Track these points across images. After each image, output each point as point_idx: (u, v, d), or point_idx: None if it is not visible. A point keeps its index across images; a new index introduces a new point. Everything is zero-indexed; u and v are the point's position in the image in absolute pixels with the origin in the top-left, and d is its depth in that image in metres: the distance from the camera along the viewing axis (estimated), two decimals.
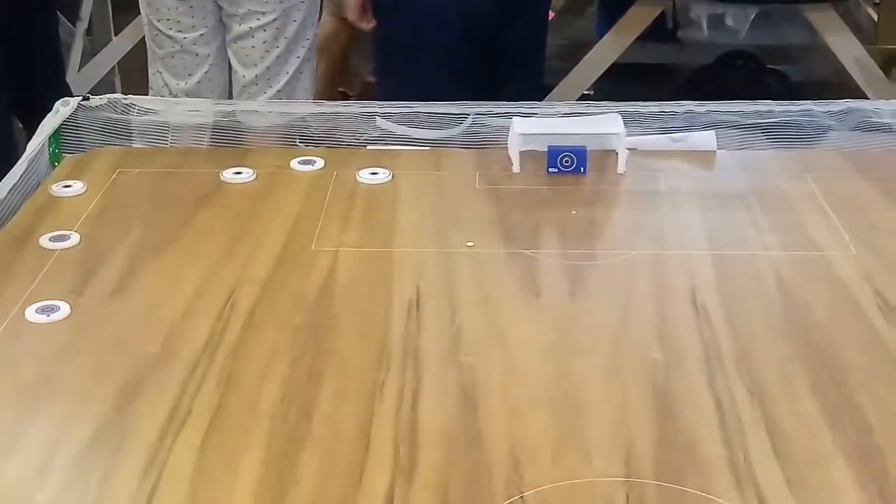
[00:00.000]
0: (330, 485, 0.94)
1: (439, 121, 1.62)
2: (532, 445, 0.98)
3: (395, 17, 2.48)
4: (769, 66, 3.93)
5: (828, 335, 1.14)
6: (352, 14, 2.53)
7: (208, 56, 2.46)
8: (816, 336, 1.14)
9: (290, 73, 2.45)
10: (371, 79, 3.78)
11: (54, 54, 3.03)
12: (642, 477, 0.94)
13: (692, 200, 1.44)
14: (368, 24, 2.53)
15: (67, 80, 3.29)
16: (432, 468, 0.95)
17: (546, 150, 1.49)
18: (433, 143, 1.61)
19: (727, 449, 0.97)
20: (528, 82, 2.52)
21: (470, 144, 1.60)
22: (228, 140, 1.63)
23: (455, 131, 1.60)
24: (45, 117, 1.57)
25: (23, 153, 1.50)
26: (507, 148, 1.53)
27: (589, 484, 0.93)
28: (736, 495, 0.92)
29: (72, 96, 1.62)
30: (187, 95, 2.41)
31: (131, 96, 1.64)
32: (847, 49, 3.27)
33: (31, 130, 2.48)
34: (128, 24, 3.81)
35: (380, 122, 1.61)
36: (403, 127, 1.61)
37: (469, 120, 1.60)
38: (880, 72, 3.29)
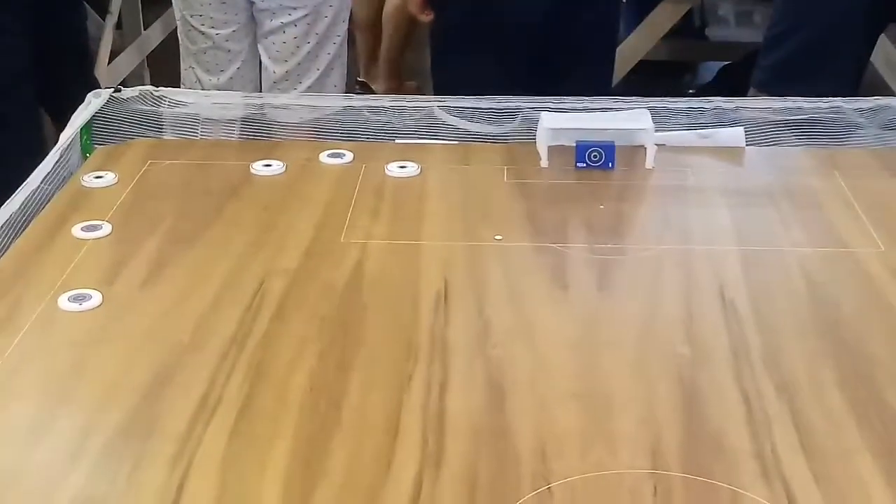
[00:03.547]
0: (358, 474, 0.94)
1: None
2: (559, 437, 0.99)
3: (448, 10, 2.46)
4: None
5: (855, 331, 1.15)
6: (412, 5, 2.52)
7: (240, 52, 2.47)
8: (844, 332, 1.14)
9: (321, 69, 2.46)
10: (412, 83, 3.78)
11: (82, 48, 3.05)
12: (669, 470, 0.94)
13: (720, 196, 1.44)
14: (427, 17, 2.51)
15: (97, 73, 3.30)
16: (460, 459, 0.96)
17: (574, 144, 1.49)
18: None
19: (754, 443, 0.97)
20: (593, 79, 2.44)
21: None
22: (258, 133, 1.64)
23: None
24: (72, 111, 1.58)
25: (51, 146, 1.51)
26: (535, 142, 1.53)
27: (616, 476, 0.94)
28: (763, 488, 0.92)
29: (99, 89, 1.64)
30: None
31: (162, 88, 1.64)
32: (876, 47, 3.25)
33: (58, 124, 2.48)
34: (157, 18, 3.83)
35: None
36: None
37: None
38: None
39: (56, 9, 2.85)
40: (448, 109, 1.61)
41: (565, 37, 2.40)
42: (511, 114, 1.61)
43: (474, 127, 1.60)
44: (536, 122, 1.55)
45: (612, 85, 2.60)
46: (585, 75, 2.42)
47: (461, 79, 2.34)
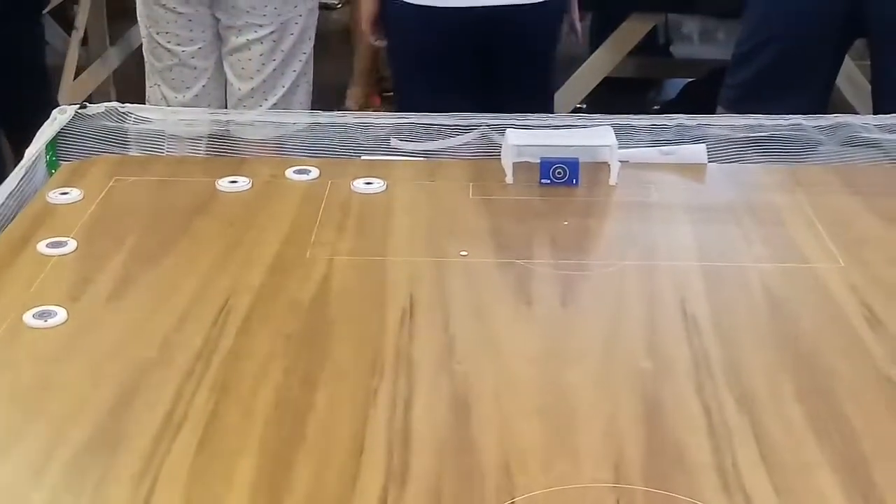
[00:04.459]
0: (324, 489, 0.95)
1: (432, 133, 1.63)
2: (523, 452, 0.99)
3: (387, 30, 2.49)
4: None
5: (815, 345, 1.16)
6: (364, 25, 2.53)
7: (206, 70, 2.47)
8: (804, 346, 1.16)
9: (286, 86, 2.45)
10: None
11: (40, 65, 3.03)
12: (631, 483, 0.95)
13: (683, 213, 1.45)
14: (377, 41, 2.53)
15: (62, 88, 3.29)
16: (425, 474, 0.97)
17: (539, 161, 1.51)
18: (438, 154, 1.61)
19: (715, 456, 0.99)
20: (533, 90, 2.48)
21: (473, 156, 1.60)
22: (224, 149, 1.64)
23: (465, 138, 1.61)
24: (29, 129, 1.58)
25: (9, 164, 1.51)
26: (500, 159, 1.55)
27: (579, 490, 0.95)
28: (724, 501, 0.93)
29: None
30: None
31: (128, 105, 1.65)
32: None
33: (15, 142, 2.46)
34: (123, 35, 3.82)
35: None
36: (414, 144, 1.62)
37: (476, 132, 1.60)
38: (870, 87, 3.30)
39: (11, 26, 2.83)
40: (406, 132, 1.62)
41: (509, 37, 2.42)
42: (471, 130, 1.62)
43: (433, 146, 1.61)
44: (491, 132, 1.56)
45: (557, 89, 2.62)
46: (530, 80, 2.45)
47: (421, 94, 2.36)
